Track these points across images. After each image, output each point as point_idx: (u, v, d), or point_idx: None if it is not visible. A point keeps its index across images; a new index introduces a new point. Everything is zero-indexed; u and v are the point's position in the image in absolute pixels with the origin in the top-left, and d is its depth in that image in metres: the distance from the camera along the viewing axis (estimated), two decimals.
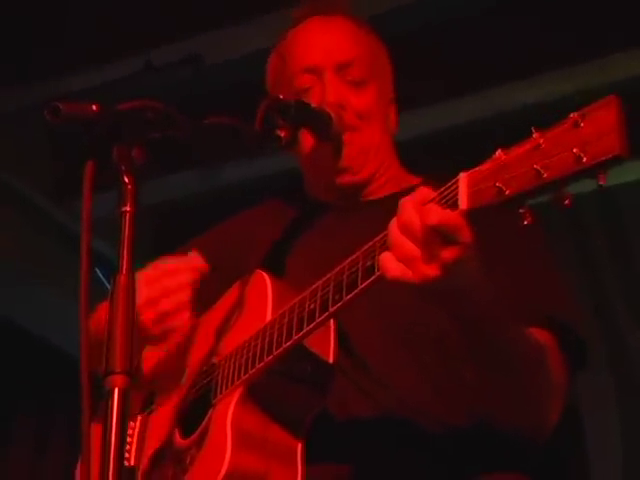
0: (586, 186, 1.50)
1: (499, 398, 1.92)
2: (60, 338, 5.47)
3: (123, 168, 1.67)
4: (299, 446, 2.00)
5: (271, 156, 4.02)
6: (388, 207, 1.73)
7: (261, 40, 4.26)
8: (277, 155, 2.34)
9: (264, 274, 2.16)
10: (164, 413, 2.26)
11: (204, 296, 2.32)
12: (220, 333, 2.24)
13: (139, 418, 2.33)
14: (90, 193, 1.63)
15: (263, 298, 2.11)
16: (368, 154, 2.34)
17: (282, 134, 2.11)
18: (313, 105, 2.24)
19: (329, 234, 2.32)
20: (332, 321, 2.02)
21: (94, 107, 1.68)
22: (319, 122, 2.25)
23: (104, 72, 4.46)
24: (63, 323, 4.39)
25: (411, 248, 1.63)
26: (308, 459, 2.00)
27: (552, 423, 2.00)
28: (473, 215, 1.59)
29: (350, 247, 1.84)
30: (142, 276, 2.03)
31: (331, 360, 2.02)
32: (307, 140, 2.32)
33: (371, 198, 2.37)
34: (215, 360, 2.18)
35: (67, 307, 4.86)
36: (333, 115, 2.25)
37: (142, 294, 1.99)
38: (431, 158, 4.20)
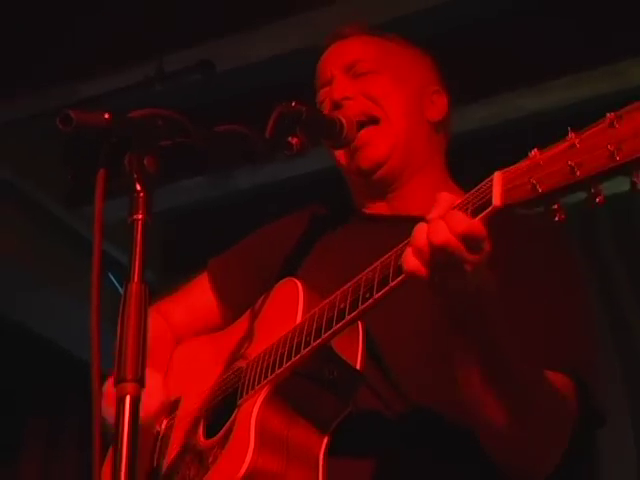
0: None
1: (489, 428, 1.90)
2: (71, 342, 5.49)
3: (135, 176, 1.67)
4: (322, 451, 2.00)
5: (282, 163, 4.03)
6: None
7: (272, 46, 4.30)
8: (288, 162, 2.34)
9: (296, 280, 2.16)
10: (188, 417, 2.27)
11: (234, 304, 2.40)
12: (246, 340, 2.25)
13: (164, 422, 2.33)
14: (102, 202, 1.64)
15: (293, 303, 2.11)
16: (394, 142, 2.31)
17: (294, 141, 2.11)
18: (324, 113, 2.26)
19: (369, 247, 2.21)
20: (361, 329, 2.02)
21: (106, 115, 1.69)
22: (330, 129, 2.25)
23: (115, 79, 4.47)
24: (74, 326, 4.41)
25: (435, 253, 1.66)
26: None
27: (546, 465, 1.96)
28: (507, 212, 1.63)
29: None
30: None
31: (358, 367, 2.01)
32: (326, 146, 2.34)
33: (410, 213, 2.28)
34: (242, 364, 2.18)
35: (78, 310, 4.89)
36: (345, 122, 2.25)
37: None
38: None
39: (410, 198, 2.33)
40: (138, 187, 1.67)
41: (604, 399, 2.05)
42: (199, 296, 2.52)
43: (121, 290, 1.61)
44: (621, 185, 1.52)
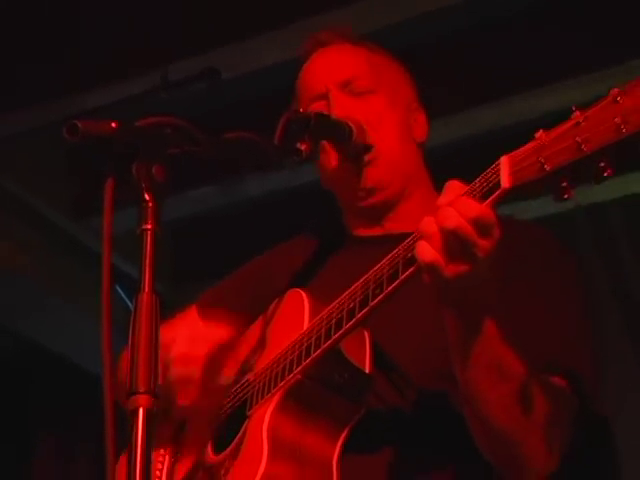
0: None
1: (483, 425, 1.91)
2: (81, 356, 5.50)
3: (143, 186, 1.67)
4: (335, 456, 2.00)
5: (291, 170, 4.03)
6: None
7: (278, 53, 4.30)
8: (296, 169, 2.34)
9: (300, 290, 2.17)
10: (195, 438, 2.26)
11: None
12: (251, 355, 2.25)
13: (170, 447, 2.32)
14: (111, 212, 1.63)
15: (299, 312, 2.11)
16: (392, 171, 2.31)
17: (302, 147, 2.11)
18: (333, 117, 2.24)
19: (364, 269, 2.30)
20: (367, 335, 2.04)
21: (113, 124, 1.68)
22: (340, 134, 2.23)
23: (120, 88, 4.48)
24: (85, 341, 4.41)
25: (447, 239, 1.68)
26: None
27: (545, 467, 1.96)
28: (517, 192, 1.66)
29: None
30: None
31: (367, 370, 2.02)
32: (328, 156, 2.31)
33: (403, 231, 2.25)
34: (249, 378, 2.18)
35: (87, 325, 4.89)
36: (354, 127, 2.24)
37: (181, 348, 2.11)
38: (451, 168, 4.19)
39: (404, 219, 2.33)
40: (147, 197, 1.66)
41: (601, 401, 2.05)
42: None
43: (130, 304, 1.61)
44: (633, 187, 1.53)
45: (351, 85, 2.34)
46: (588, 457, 2.02)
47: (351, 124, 2.24)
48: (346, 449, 2.01)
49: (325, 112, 2.28)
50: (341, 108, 2.29)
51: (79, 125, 1.65)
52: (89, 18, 4.47)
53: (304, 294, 2.15)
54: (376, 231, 2.37)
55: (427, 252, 1.71)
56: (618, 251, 4.80)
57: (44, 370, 5.72)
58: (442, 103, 4.22)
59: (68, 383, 5.72)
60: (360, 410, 2.02)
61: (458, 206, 1.68)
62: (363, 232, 2.39)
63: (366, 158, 2.28)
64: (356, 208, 2.37)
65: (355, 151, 2.27)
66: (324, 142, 2.26)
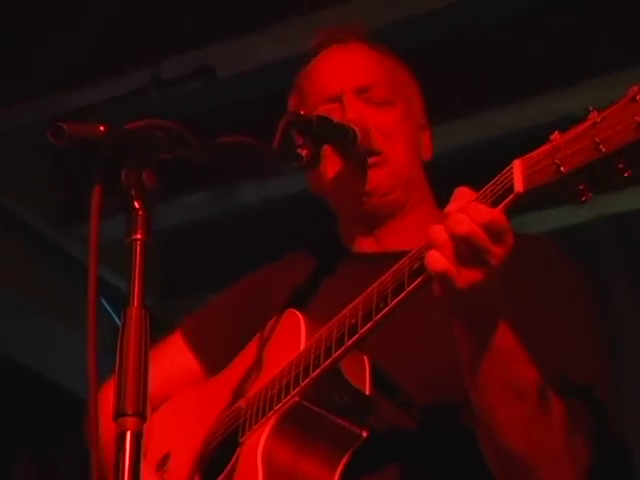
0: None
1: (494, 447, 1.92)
2: (63, 374, 5.49)
3: (133, 193, 1.67)
4: None
5: (290, 176, 4.03)
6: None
7: (277, 50, 4.31)
8: (295, 175, 2.34)
9: (296, 312, 2.17)
10: (183, 467, 2.26)
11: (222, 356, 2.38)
12: (243, 381, 2.25)
13: (156, 477, 2.32)
14: (98, 221, 1.64)
15: (296, 334, 2.12)
16: (397, 178, 2.31)
17: (303, 153, 2.11)
18: (336, 120, 2.23)
19: (362, 287, 2.31)
20: (365, 357, 2.04)
21: (101, 127, 1.68)
22: (343, 138, 2.22)
23: (108, 87, 4.48)
24: (66, 357, 4.41)
25: (459, 246, 1.70)
26: None
27: None
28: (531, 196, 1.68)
29: None
30: None
31: (367, 393, 2.02)
32: (330, 162, 2.31)
33: (402, 248, 2.26)
34: (241, 404, 2.19)
35: (70, 340, 4.89)
36: (358, 130, 2.23)
37: None
38: (466, 171, 4.20)
39: (403, 235, 2.34)
40: (136, 204, 1.67)
41: (620, 423, 2.05)
42: (173, 358, 2.49)
43: (117, 318, 1.61)
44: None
45: (368, 93, 2.34)
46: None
47: (355, 128, 2.24)
48: (347, 475, 2.01)
49: (334, 116, 2.27)
50: (355, 115, 2.29)
51: (65, 128, 1.65)
52: (76, 11, 4.48)
53: (300, 315, 2.15)
54: (374, 247, 2.37)
55: (438, 261, 1.72)
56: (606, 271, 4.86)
57: (22, 389, 5.72)
58: (455, 106, 4.24)
59: (49, 403, 5.72)
60: (361, 435, 2.02)
61: (469, 211, 1.70)
62: (361, 248, 2.39)
63: (371, 160, 2.28)
64: (356, 214, 2.36)
65: (359, 155, 2.27)
66: (326, 147, 2.24)
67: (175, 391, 2.46)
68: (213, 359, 2.43)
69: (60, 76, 4.58)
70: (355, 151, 2.25)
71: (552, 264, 2.19)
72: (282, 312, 2.23)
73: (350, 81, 2.35)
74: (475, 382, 1.85)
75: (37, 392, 5.73)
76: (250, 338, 2.31)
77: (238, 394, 2.24)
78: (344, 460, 2.01)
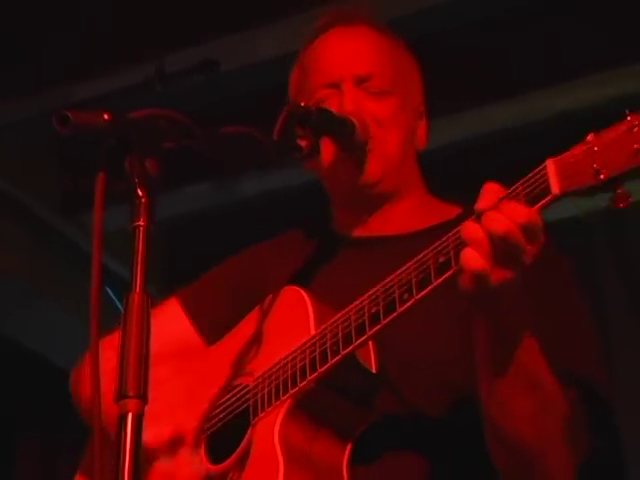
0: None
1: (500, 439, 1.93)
2: (65, 359, 5.49)
3: (136, 180, 1.67)
4: (344, 462, 2.01)
5: (290, 167, 4.02)
6: (416, 244, 1.83)
7: (279, 45, 4.30)
8: (296, 166, 2.34)
9: (300, 290, 2.16)
10: (182, 443, 2.23)
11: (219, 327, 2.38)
12: (245, 356, 2.24)
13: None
14: (101, 208, 1.63)
15: (302, 313, 2.11)
16: (391, 165, 2.32)
17: (303, 144, 2.11)
18: (335, 112, 2.24)
19: (351, 270, 2.28)
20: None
21: (105, 116, 1.68)
22: (342, 130, 2.23)
23: (113, 80, 4.48)
24: (68, 343, 4.41)
25: (495, 245, 1.69)
26: None
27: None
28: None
29: (373, 283, 1.91)
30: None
31: (374, 370, 2.02)
32: (328, 152, 2.30)
33: (398, 232, 2.33)
34: (245, 382, 2.17)
35: (74, 326, 4.90)
36: (357, 122, 2.24)
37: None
38: (462, 167, 4.21)
39: (396, 220, 2.35)
40: (140, 192, 1.66)
41: (615, 412, 2.06)
42: (168, 321, 2.48)
43: (120, 305, 1.61)
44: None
45: (367, 82, 2.34)
46: (599, 469, 2.04)
47: (354, 119, 2.25)
48: (355, 456, 2.02)
49: (331, 101, 2.29)
50: (353, 105, 2.29)
51: (70, 116, 1.65)
52: (82, 4, 4.47)
53: (305, 294, 2.14)
54: (369, 232, 2.37)
55: (475, 260, 1.71)
56: (634, 255, 4.83)
57: (27, 372, 5.73)
58: (452, 100, 4.24)
59: (52, 386, 5.72)
60: (370, 415, 2.03)
61: (507, 211, 1.69)
62: (356, 233, 2.39)
63: (367, 148, 2.28)
64: (349, 200, 2.37)
65: (357, 146, 2.27)
66: (325, 137, 2.24)
67: (165, 355, 2.44)
68: (209, 328, 2.42)
69: (66, 69, 4.58)
70: (353, 142, 2.25)
71: (541, 255, 2.19)
72: (280, 288, 2.22)
73: (351, 69, 2.35)
74: (490, 375, 1.85)
75: (42, 377, 5.74)
76: (247, 311, 2.30)
77: (238, 368, 2.23)
78: (353, 440, 2.02)
